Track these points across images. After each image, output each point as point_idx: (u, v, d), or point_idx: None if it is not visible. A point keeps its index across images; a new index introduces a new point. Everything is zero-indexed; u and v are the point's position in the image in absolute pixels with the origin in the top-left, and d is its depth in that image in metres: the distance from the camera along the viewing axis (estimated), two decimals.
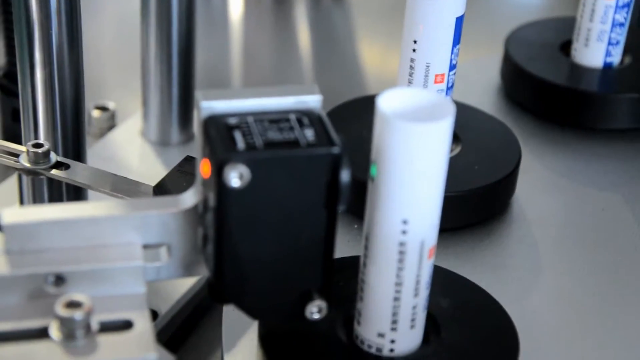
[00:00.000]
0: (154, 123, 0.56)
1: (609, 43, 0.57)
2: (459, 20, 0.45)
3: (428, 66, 0.46)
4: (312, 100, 0.34)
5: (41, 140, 0.45)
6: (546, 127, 0.57)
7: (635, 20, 0.63)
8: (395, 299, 0.36)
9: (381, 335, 0.36)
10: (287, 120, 0.33)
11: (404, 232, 0.34)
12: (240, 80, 0.70)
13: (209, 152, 0.33)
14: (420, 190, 0.34)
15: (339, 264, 0.36)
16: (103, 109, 0.60)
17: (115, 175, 0.44)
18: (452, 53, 0.46)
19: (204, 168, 0.33)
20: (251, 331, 0.40)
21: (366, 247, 0.36)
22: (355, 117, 0.51)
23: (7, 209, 0.34)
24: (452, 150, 0.49)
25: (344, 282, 0.38)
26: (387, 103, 0.33)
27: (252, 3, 0.78)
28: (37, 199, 0.46)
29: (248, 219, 0.33)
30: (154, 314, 0.45)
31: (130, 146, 0.57)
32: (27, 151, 0.44)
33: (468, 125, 0.51)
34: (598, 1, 0.56)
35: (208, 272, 0.35)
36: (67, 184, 0.46)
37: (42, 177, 0.45)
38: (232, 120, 0.33)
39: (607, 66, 0.58)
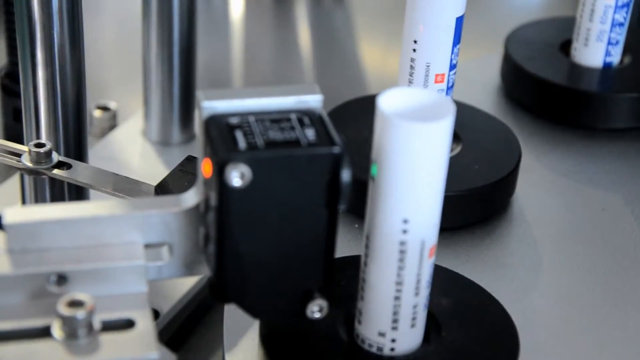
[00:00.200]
0: (155, 123, 0.56)
1: (609, 43, 0.57)
2: (459, 21, 0.45)
3: (428, 66, 0.46)
4: (313, 100, 0.34)
5: (43, 140, 0.45)
6: (546, 126, 0.57)
7: (635, 20, 0.63)
8: (395, 298, 0.36)
9: (382, 334, 0.37)
10: (288, 120, 0.33)
11: (404, 232, 0.34)
12: (241, 79, 0.71)
13: (210, 151, 0.33)
14: (420, 189, 0.34)
15: (340, 262, 0.36)
16: (104, 108, 0.60)
17: (117, 174, 0.45)
18: (452, 53, 0.46)
19: (206, 168, 0.33)
20: (252, 330, 0.40)
21: (367, 247, 0.36)
22: (355, 117, 0.52)
23: (9, 208, 0.34)
24: (452, 150, 0.50)
25: (345, 281, 0.38)
26: (388, 102, 0.34)
27: (252, 3, 0.78)
28: (39, 199, 0.46)
29: (249, 219, 0.33)
30: (156, 314, 0.45)
31: (132, 146, 0.57)
32: (29, 151, 0.44)
33: (468, 125, 0.52)
34: (597, 1, 0.56)
35: (209, 272, 0.35)
36: (69, 184, 0.46)
37: (44, 176, 0.45)
38: (234, 120, 0.33)
39: (607, 66, 0.58)
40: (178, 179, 0.43)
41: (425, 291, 0.36)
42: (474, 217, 0.49)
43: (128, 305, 0.34)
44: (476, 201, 0.48)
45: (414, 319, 0.36)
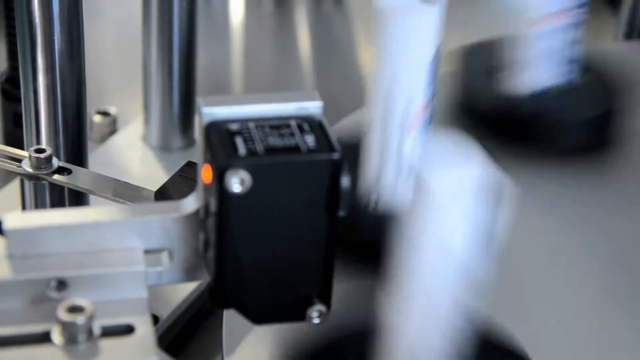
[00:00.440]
0: (155, 128, 0.57)
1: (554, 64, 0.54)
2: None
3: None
4: (313, 107, 0.34)
5: (43, 145, 0.45)
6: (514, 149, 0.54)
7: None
8: None
9: None
10: (288, 126, 0.34)
11: None
12: (241, 85, 0.71)
13: (210, 157, 0.33)
14: None
15: None
16: (104, 114, 0.60)
17: (117, 180, 0.45)
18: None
19: (206, 173, 0.33)
20: (252, 335, 0.40)
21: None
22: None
23: (10, 213, 0.34)
24: None
25: None
26: None
27: (252, 8, 0.79)
28: (39, 204, 0.46)
29: (249, 224, 0.33)
30: (155, 319, 0.45)
31: (132, 151, 0.57)
32: (29, 156, 0.44)
33: None
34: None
35: (209, 277, 0.35)
36: (69, 189, 0.46)
37: (44, 182, 0.45)
38: (234, 126, 0.33)
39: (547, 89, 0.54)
40: (178, 185, 0.43)
41: None
42: None
43: (128, 311, 0.34)
44: None
45: None
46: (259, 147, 0.32)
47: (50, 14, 0.43)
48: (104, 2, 0.77)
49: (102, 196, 0.44)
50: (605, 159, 0.54)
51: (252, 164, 0.32)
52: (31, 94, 0.45)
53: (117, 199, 0.44)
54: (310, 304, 0.35)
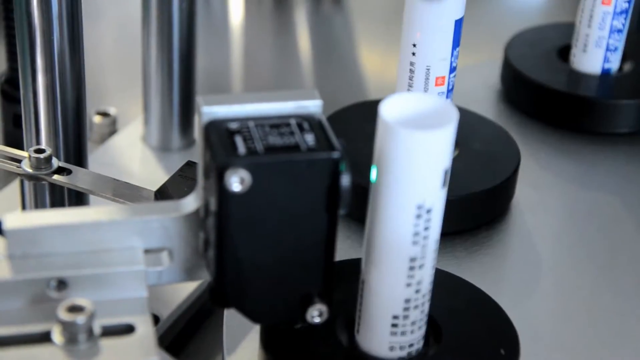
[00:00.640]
0: (155, 128, 0.57)
1: (607, 49, 0.57)
2: (459, 23, 0.45)
3: (428, 69, 0.46)
4: (313, 105, 0.34)
5: (43, 145, 0.45)
6: (545, 131, 0.57)
7: (634, 27, 0.63)
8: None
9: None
10: (288, 125, 0.34)
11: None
12: (240, 84, 0.71)
13: (209, 156, 0.33)
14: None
15: (339, 266, 0.36)
16: (104, 114, 0.60)
17: (117, 180, 0.45)
18: (452, 56, 0.46)
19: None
20: (252, 335, 0.40)
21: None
22: (354, 123, 0.52)
23: (9, 214, 0.34)
24: None
25: (344, 284, 0.38)
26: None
27: (252, 8, 0.79)
28: (39, 205, 0.46)
29: (249, 224, 0.33)
30: (155, 319, 0.45)
31: (132, 151, 0.57)
32: (29, 157, 0.44)
33: (467, 130, 0.52)
34: (596, 7, 0.57)
35: (209, 276, 0.35)
36: (69, 189, 0.46)
37: (43, 182, 0.45)
38: (233, 125, 0.33)
39: (605, 72, 0.58)
40: (178, 184, 0.43)
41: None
42: (473, 222, 0.49)
43: (128, 311, 0.34)
44: (476, 205, 0.48)
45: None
46: (259, 146, 0.32)
47: (49, 14, 0.43)
48: (103, 3, 0.78)
49: (102, 196, 0.44)
50: None
51: (251, 163, 0.32)
52: (30, 95, 0.45)
53: (117, 199, 0.44)
54: (310, 303, 0.35)
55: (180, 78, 0.55)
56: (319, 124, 0.34)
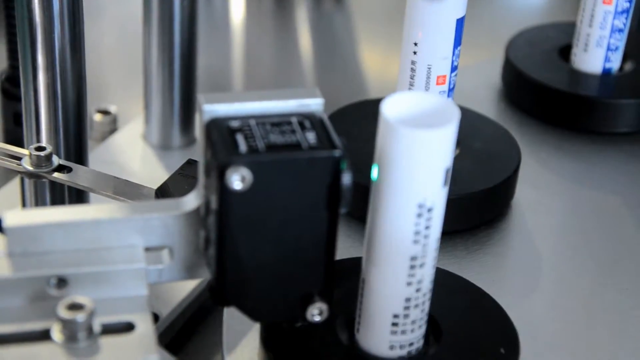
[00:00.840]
0: (156, 127, 0.57)
1: (608, 49, 0.57)
2: (460, 22, 0.45)
3: (429, 68, 0.46)
4: (314, 104, 0.34)
5: (43, 143, 0.45)
6: (546, 130, 0.57)
7: (635, 27, 0.63)
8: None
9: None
10: (289, 123, 0.33)
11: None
12: (241, 83, 0.71)
13: (211, 155, 0.33)
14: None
15: (339, 264, 0.36)
16: (105, 112, 0.60)
17: (117, 178, 0.45)
18: (453, 55, 0.46)
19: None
20: (252, 333, 0.40)
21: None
22: (355, 121, 0.52)
23: (10, 211, 0.34)
24: None
25: (345, 283, 0.38)
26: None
27: (253, 7, 0.78)
28: (39, 202, 0.46)
29: (250, 222, 0.33)
30: (155, 317, 0.45)
31: (132, 150, 0.57)
32: (30, 154, 0.44)
33: (468, 129, 0.52)
34: (597, 7, 0.56)
35: (210, 275, 0.35)
36: (69, 187, 0.46)
37: (44, 180, 0.45)
38: (234, 124, 0.33)
39: (606, 72, 0.58)
40: (178, 183, 0.43)
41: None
42: (473, 221, 0.49)
43: (128, 309, 0.34)
44: (476, 205, 0.48)
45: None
46: (260, 144, 0.32)
47: (50, 12, 0.43)
48: (104, 1, 0.77)
49: (102, 194, 0.44)
50: None
51: (253, 161, 0.32)
52: (31, 92, 0.45)
53: (118, 197, 0.44)
54: (311, 301, 0.35)
55: (181, 76, 0.55)
56: (320, 122, 0.34)
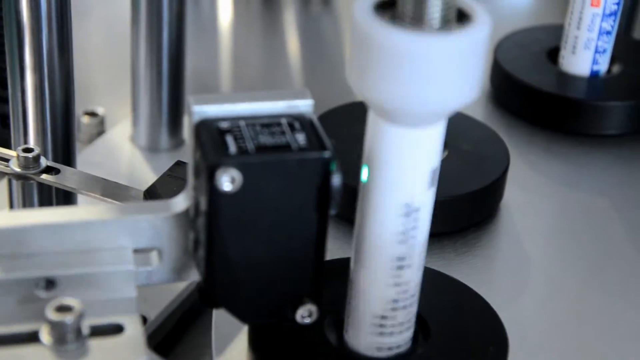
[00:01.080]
0: (144, 128, 0.56)
1: (596, 51, 0.58)
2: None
3: None
4: (304, 105, 0.34)
5: (31, 144, 0.45)
6: (534, 132, 0.57)
7: (622, 29, 0.63)
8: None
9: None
10: (279, 124, 0.33)
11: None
12: (229, 84, 0.70)
13: (200, 156, 0.33)
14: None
15: (329, 265, 0.36)
16: (92, 114, 0.59)
17: (106, 179, 0.44)
18: None
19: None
20: (241, 335, 0.40)
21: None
22: (343, 123, 0.52)
23: None
24: None
25: (334, 283, 0.38)
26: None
27: (241, 8, 0.78)
28: (27, 204, 0.46)
29: (239, 223, 0.33)
30: (143, 320, 0.45)
31: (120, 152, 0.57)
32: (17, 156, 0.44)
33: (456, 131, 0.52)
34: (585, 9, 0.57)
35: (199, 276, 0.35)
36: (57, 189, 0.46)
37: (32, 181, 0.45)
38: (224, 125, 0.33)
39: (594, 74, 0.58)
40: (167, 184, 0.43)
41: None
42: (462, 223, 0.49)
43: (117, 311, 0.33)
44: (465, 207, 0.48)
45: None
46: (250, 146, 0.32)
47: (38, 12, 0.43)
48: (91, 1, 0.77)
49: (90, 196, 0.44)
50: None
51: (242, 162, 0.32)
52: (19, 93, 0.45)
53: (106, 198, 0.43)
54: (300, 303, 0.35)
55: (169, 78, 0.55)
56: (310, 124, 0.34)
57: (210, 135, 0.33)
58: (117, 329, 0.33)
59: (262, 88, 0.68)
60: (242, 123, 0.33)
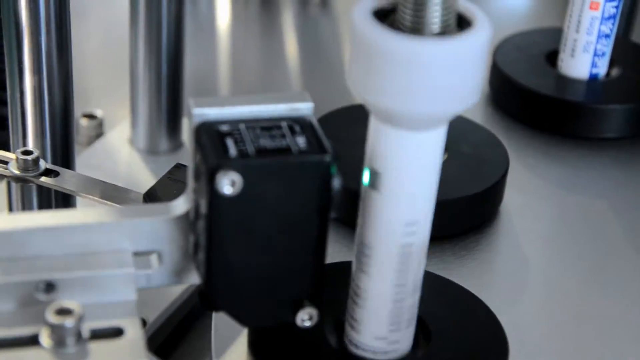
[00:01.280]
0: (143, 131, 0.56)
1: (595, 54, 0.58)
2: None
3: None
4: (304, 108, 0.34)
5: (30, 147, 0.45)
6: (533, 136, 0.57)
7: (621, 32, 0.63)
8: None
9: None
10: (279, 127, 0.33)
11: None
12: (228, 87, 0.70)
13: (200, 158, 0.33)
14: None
15: (329, 268, 0.36)
16: (91, 117, 0.59)
17: (105, 182, 0.44)
18: None
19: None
20: (241, 338, 0.40)
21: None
22: (342, 126, 0.51)
23: None
24: None
25: (334, 286, 0.38)
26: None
27: (239, 10, 0.78)
28: (26, 206, 0.46)
29: (239, 226, 0.33)
30: (143, 323, 0.45)
31: (119, 154, 0.56)
32: (17, 158, 0.44)
33: (456, 134, 0.52)
34: (584, 12, 0.57)
35: (199, 279, 0.35)
36: (56, 192, 0.45)
37: (31, 184, 0.45)
38: (224, 128, 0.33)
39: (593, 77, 0.58)
40: (167, 187, 0.43)
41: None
42: (462, 226, 0.49)
43: (117, 314, 0.33)
44: (464, 210, 0.48)
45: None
46: (250, 149, 0.32)
47: (36, 14, 0.43)
48: (90, 3, 0.77)
49: (90, 198, 0.44)
50: None
51: (243, 165, 0.32)
52: (17, 95, 0.45)
53: (105, 201, 0.43)
54: (300, 306, 0.35)
55: (168, 80, 0.55)
56: (310, 127, 0.34)
57: (211, 138, 0.33)
58: (117, 332, 0.33)
59: (260, 90, 0.68)
60: (242, 126, 0.33)
